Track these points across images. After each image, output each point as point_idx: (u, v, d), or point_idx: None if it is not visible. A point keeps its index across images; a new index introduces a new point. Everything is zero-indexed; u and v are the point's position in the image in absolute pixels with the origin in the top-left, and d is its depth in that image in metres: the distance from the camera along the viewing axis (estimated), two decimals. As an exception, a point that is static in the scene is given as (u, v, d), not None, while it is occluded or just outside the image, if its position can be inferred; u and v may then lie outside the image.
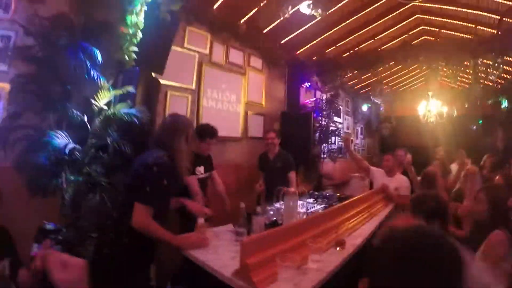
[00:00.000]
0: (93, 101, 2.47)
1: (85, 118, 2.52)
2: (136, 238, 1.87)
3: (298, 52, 5.91)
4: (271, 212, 2.52)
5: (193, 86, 4.02)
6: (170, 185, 1.96)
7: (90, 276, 0.85)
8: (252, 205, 3.19)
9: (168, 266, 2.45)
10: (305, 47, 5.87)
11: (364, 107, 9.55)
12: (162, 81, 3.52)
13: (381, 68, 6.09)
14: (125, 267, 1.88)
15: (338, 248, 2.18)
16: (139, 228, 1.84)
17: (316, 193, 3.72)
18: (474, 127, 9.18)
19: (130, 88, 2.60)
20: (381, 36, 6.22)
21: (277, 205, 2.72)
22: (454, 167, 4.98)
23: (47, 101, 2.47)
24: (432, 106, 7.89)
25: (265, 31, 5.01)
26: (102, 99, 2.50)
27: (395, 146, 6.21)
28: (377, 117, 10.15)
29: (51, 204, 2.39)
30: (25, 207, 2.27)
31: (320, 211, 2.92)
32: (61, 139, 2.38)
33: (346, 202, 3.07)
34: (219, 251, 1.98)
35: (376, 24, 5.71)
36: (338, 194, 3.87)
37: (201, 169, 3.29)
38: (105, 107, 2.54)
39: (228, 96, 4.51)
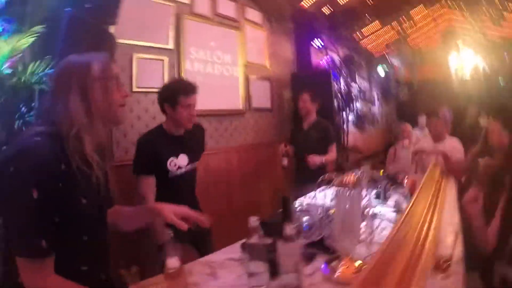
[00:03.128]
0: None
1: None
2: None
3: (304, 2, 4.80)
4: (306, 218, 1.45)
5: (171, 45, 2.94)
6: (57, 200, 0.91)
7: None
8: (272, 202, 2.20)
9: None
10: (312, -4, 4.75)
11: (381, 70, 8.37)
12: (123, 41, 2.49)
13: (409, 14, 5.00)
14: None
15: (441, 275, 1.16)
16: None
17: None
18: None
19: (38, 28, 1.53)
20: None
21: (314, 200, 1.67)
22: None
23: None
24: (464, 58, 6.78)
25: (259, -25, 3.92)
26: (3, 59, 1.44)
27: (413, 113, 5.37)
28: (395, 81, 9.01)
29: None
30: None
31: (391, 212, 1.86)
32: None
33: (419, 188, 2.01)
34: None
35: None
36: (382, 172, 2.89)
37: (180, 159, 1.97)
38: (8, 71, 1.49)
39: (221, 57, 3.41)
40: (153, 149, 1.89)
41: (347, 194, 1.44)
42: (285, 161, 2.98)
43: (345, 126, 5.24)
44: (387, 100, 9.27)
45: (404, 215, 1.42)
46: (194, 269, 1.30)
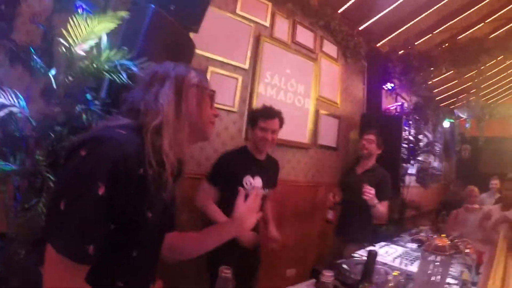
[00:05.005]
0: (61, 40, 1.33)
1: (52, 72, 1.40)
2: None
3: (380, 43, 4.62)
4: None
5: (246, 65, 2.83)
6: (122, 206, 0.78)
7: None
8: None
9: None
10: (388, 37, 4.58)
11: (446, 123, 7.84)
12: (201, 52, 2.46)
13: (487, 64, 4.64)
14: None
15: None
16: None
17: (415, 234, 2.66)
18: None
19: (124, 14, 1.44)
20: (485, 22, 4.73)
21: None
22: None
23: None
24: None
25: (340, 10, 3.84)
26: (79, 40, 1.35)
27: (475, 173, 4.91)
28: (459, 135, 8.41)
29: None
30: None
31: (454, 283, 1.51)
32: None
33: (491, 261, 1.65)
34: None
35: (477, 7, 4.22)
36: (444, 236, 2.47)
37: (256, 180, 2.08)
38: (82, 53, 1.39)
39: (294, 86, 3.25)
40: (233, 163, 2.05)
41: (437, 260, 1.15)
42: (330, 214, 2.62)
43: (407, 178, 4.83)
44: (448, 155, 8.65)
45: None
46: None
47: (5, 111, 1.31)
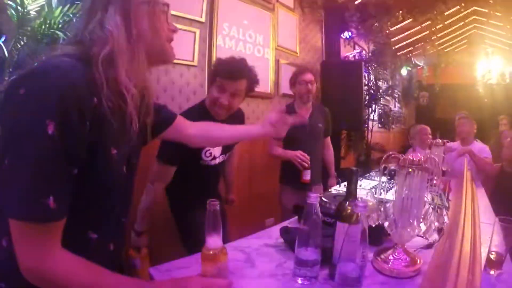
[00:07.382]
0: (10, 2, 1.31)
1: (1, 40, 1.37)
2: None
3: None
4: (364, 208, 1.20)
5: (203, 18, 2.79)
6: (80, 144, 0.66)
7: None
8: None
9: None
10: (345, -14, 4.58)
11: (403, 71, 8.15)
12: None
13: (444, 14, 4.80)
14: None
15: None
16: (27, 277, 0.62)
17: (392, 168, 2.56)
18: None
19: None
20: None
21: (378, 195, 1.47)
22: None
23: None
24: (492, 63, 6.62)
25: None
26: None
27: (433, 118, 5.23)
28: (417, 82, 8.78)
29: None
30: None
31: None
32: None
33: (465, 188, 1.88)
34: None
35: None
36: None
37: (216, 149, 1.75)
38: (33, 13, 1.37)
39: (253, 37, 3.25)
40: None
41: (413, 175, 1.13)
42: (307, 175, 2.32)
43: (370, 122, 5.08)
44: (407, 101, 9.04)
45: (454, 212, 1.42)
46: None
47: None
